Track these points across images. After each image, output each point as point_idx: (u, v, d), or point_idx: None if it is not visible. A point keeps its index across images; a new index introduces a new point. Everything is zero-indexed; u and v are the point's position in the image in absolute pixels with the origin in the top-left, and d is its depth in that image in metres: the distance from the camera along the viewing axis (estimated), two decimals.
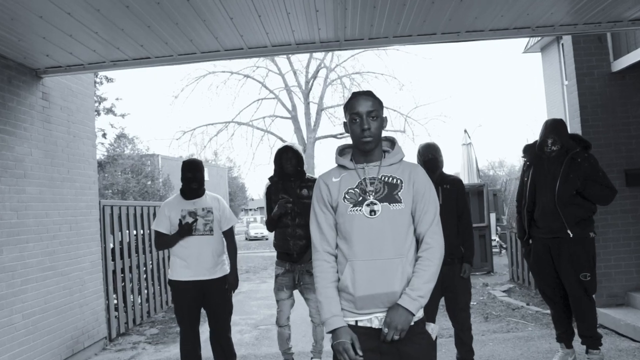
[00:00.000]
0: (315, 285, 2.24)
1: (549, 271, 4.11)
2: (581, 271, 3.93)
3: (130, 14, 3.78)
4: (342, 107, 2.37)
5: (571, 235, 3.93)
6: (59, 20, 3.79)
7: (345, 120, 2.30)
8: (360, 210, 2.16)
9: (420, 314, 2.16)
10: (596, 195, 3.96)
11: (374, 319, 2.14)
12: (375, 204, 2.16)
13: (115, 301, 6.50)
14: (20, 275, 4.53)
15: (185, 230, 3.97)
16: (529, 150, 4.31)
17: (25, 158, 4.70)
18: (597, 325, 4.20)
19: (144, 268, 7.48)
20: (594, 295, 4.09)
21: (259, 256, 18.79)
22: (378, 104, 2.24)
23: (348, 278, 2.14)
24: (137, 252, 7.23)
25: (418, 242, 2.22)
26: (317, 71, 25.10)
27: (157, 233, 4.12)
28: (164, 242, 4.13)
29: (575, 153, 4.00)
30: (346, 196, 2.20)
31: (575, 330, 4.24)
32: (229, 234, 4.26)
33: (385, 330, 2.08)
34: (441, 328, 5.61)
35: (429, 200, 2.22)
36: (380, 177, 2.22)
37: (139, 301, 7.14)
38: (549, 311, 6.20)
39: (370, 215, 2.14)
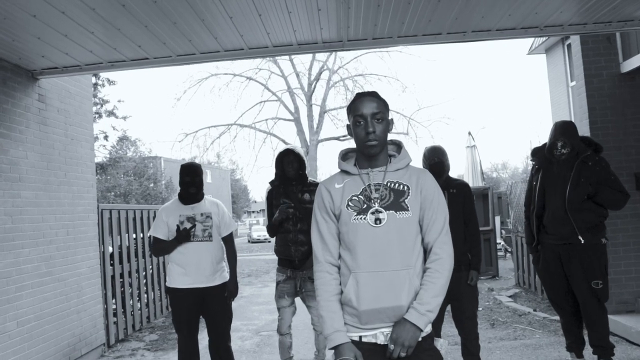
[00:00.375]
0: (317, 299, 2.11)
1: (559, 278, 3.97)
2: (593, 279, 3.79)
3: (126, 13, 3.66)
4: (345, 109, 2.24)
5: (582, 241, 3.79)
6: (53, 20, 3.68)
7: (348, 123, 2.17)
8: (364, 218, 2.03)
9: (428, 329, 2.03)
10: (608, 200, 3.83)
11: (380, 335, 2.01)
12: (381, 211, 2.02)
13: (114, 307, 6.39)
14: (15, 281, 4.42)
15: (183, 236, 3.85)
16: (537, 153, 4.17)
17: (20, 161, 4.59)
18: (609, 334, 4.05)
19: (144, 273, 7.37)
20: (605, 303, 3.96)
21: (261, 259, 18.66)
22: (383, 106, 2.11)
23: (352, 291, 2.01)
24: (136, 256, 7.12)
25: (426, 252, 2.09)
26: (319, 73, 25.11)
27: (155, 239, 4.00)
28: (162, 248, 4.01)
29: (586, 156, 3.86)
30: (349, 203, 2.07)
31: (586, 339, 4.10)
32: (229, 240, 4.14)
33: (392, 346, 1.95)
34: (446, 335, 5.47)
35: (437, 208, 2.08)
36: (385, 183, 2.09)
37: (139, 306, 7.02)
38: (556, 317, 6.08)
39: (376, 223, 2.01)
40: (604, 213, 3.88)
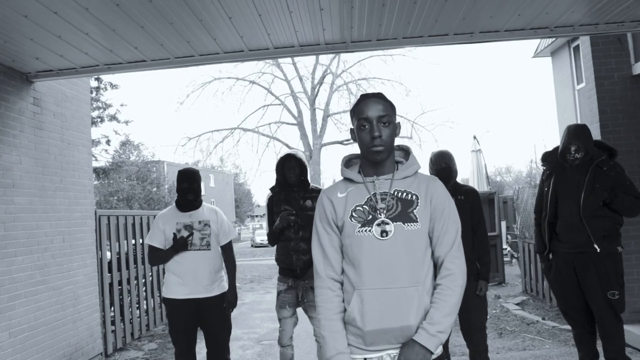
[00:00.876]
0: (318, 317, 1.95)
1: (573, 289, 3.79)
2: (609, 289, 3.62)
3: (121, 13, 3.53)
4: (348, 113, 2.07)
5: (598, 250, 3.61)
6: (45, 20, 3.55)
7: (352, 127, 2.00)
8: (369, 230, 1.86)
9: (439, 351, 1.86)
10: (625, 207, 3.65)
11: (386, 357, 1.86)
12: (387, 223, 1.86)
13: (112, 314, 6.25)
14: (8, 290, 4.29)
15: (180, 244, 3.70)
16: (549, 157, 4.00)
17: (13, 167, 4.46)
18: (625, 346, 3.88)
19: (143, 280, 7.22)
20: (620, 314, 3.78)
21: (264, 264, 18.47)
22: (390, 108, 1.94)
23: (356, 309, 1.84)
24: (135, 263, 6.97)
25: (436, 267, 1.93)
26: (323, 77, 24.96)
27: (151, 248, 3.85)
28: (158, 257, 3.86)
29: (601, 161, 3.68)
30: (353, 214, 1.91)
31: (600, 350, 3.92)
32: (228, 249, 3.98)
33: None
34: (453, 346, 5.31)
35: (449, 219, 1.92)
36: (392, 192, 1.92)
37: (138, 314, 6.87)
38: (566, 327, 5.90)
39: (382, 236, 1.85)
40: (620, 220, 3.71)
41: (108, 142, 22.00)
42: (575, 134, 3.73)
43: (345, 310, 1.91)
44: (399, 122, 2.00)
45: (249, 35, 4.14)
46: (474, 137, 12.25)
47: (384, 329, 1.82)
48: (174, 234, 3.73)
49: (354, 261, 1.88)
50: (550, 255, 3.95)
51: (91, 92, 20.45)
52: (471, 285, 3.69)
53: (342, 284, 1.96)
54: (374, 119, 1.89)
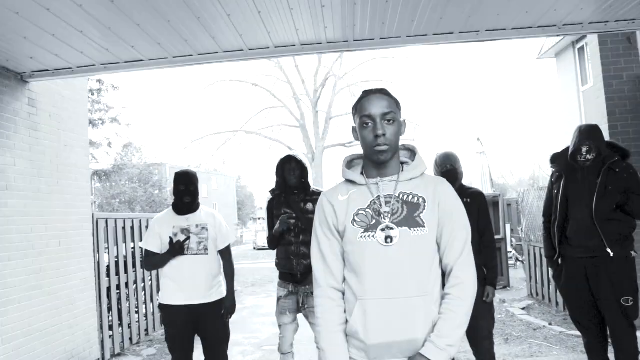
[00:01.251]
0: (318, 329, 1.83)
1: (584, 295, 3.65)
2: (623, 295, 3.48)
3: (116, 10, 3.42)
4: (350, 115, 1.94)
5: (611, 254, 3.48)
6: (38, 18, 3.45)
7: (354, 125, 1.88)
8: (373, 236, 1.74)
9: None
10: (639, 210, 3.52)
11: None
12: (392, 228, 1.74)
13: (110, 319, 6.13)
14: (1, 296, 4.17)
15: (177, 249, 3.58)
16: (558, 159, 3.86)
17: (7, 169, 4.36)
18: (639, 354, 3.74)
19: (142, 284, 7.10)
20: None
21: (266, 267, 18.34)
22: (394, 105, 1.82)
23: (358, 321, 1.72)
24: (134, 267, 6.85)
25: (445, 275, 1.80)
26: (325, 79, 24.95)
27: (147, 252, 3.74)
28: (154, 262, 3.74)
29: (613, 162, 3.55)
30: (356, 219, 1.78)
31: (611, 357, 3.79)
32: (226, 253, 3.85)
33: None
34: (458, 351, 5.17)
35: (458, 224, 1.79)
36: (397, 194, 1.80)
37: (136, 319, 6.75)
38: (574, 332, 5.76)
39: (386, 242, 1.73)
40: (633, 224, 3.57)
41: (110, 144, 21.96)
42: (587, 134, 3.60)
43: (347, 321, 1.79)
44: (404, 120, 1.87)
45: (249, 33, 4.03)
46: (478, 139, 12.13)
47: (388, 342, 1.70)
48: (170, 238, 3.61)
49: (357, 269, 1.76)
50: (560, 260, 3.82)
51: (92, 94, 20.45)
52: (478, 291, 3.56)
53: (343, 293, 1.84)
54: (377, 117, 1.77)
